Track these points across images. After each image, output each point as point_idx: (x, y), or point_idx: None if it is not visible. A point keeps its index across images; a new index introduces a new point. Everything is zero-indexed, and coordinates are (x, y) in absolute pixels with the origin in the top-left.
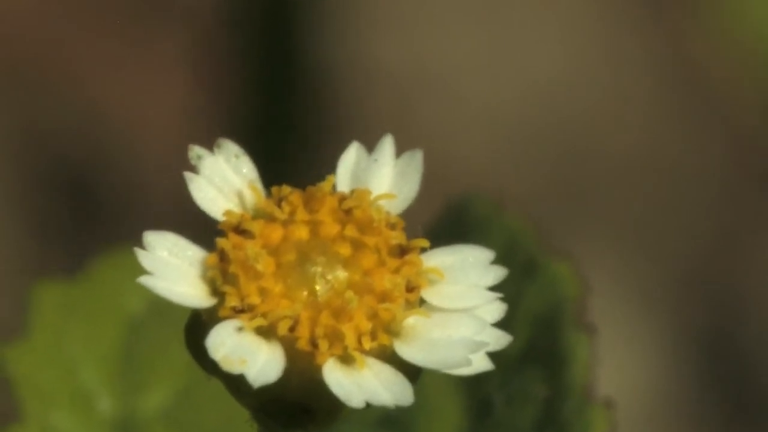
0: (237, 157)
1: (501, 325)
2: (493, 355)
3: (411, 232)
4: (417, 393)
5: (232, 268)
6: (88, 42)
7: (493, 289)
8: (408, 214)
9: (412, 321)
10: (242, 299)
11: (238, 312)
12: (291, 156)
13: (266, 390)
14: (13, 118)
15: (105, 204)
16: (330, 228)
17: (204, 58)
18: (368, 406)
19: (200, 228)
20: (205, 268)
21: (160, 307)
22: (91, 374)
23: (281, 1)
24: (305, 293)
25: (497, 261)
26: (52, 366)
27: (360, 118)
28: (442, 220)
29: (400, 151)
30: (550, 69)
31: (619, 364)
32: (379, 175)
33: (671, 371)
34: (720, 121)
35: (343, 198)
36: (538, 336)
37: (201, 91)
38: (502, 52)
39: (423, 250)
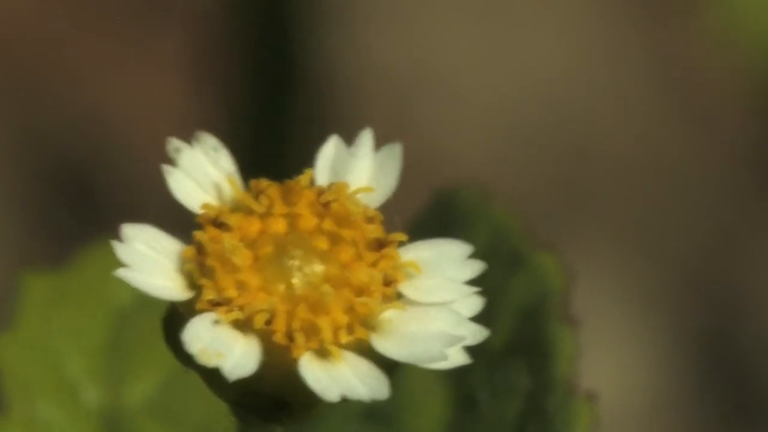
0: (215, 150)
1: (484, 316)
2: (477, 348)
3: (391, 226)
4: (401, 386)
5: (210, 261)
6: (89, 42)
7: (472, 282)
8: (398, 209)
9: (389, 315)
10: (219, 292)
11: (214, 305)
12: (291, 155)
13: (242, 383)
14: (13, 118)
15: (105, 204)
16: (307, 221)
17: (204, 58)
18: (345, 400)
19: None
20: (183, 260)
21: (147, 298)
22: (77, 365)
23: (280, 2)
24: (282, 287)
25: (483, 253)
26: (37, 356)
27: (360, 117)
28: (428, 211)
29: None
30: (550, 69)
31: (619, 364)
32: (358, 169)
33: (671, 371)
34: (719, 121)
35: (321, 191)
36: (522, 329)
37: (201, 91)
38: (502, 52)
39: (401, 243)
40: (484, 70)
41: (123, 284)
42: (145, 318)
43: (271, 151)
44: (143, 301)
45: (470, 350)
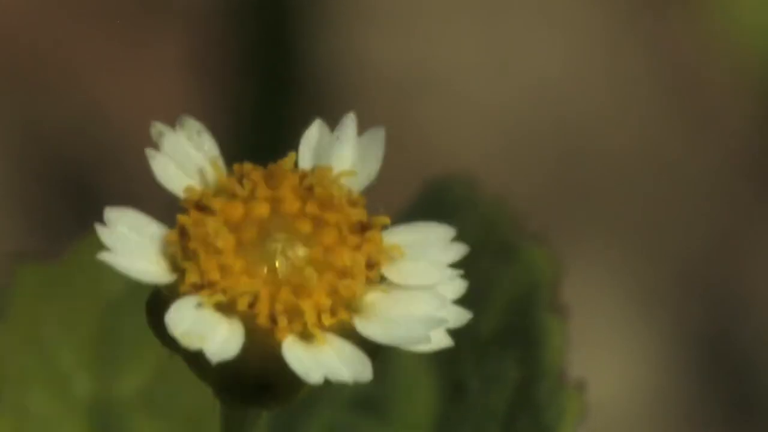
0: (199, 134)
1: (474, 306)
2: (466, 338)
3: (375, 212)
4: (390, 375)
5: (193, 245)
6: (89, 42)
7: (455, 266)
8: (396, 206)
9: (373, 298)
10: (202, 275)
11: (198, 288)
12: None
13: (226, 367)
14: (13, 117)
15: (104, 204)
16: (291, 205)
17: (204, 58)
18: (328, 383)
19: None
20: (166, 244)
21: (138, 289)
22: (67, 356)
23: (280, 1)
24: (265, 270)
25: (472, 244)
26: (28, 347)
27: (360, 117)
28: (417, 201)
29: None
30: (549, 69)
31: (619, 364)
32: (341, 153)
33: (671, 371)
34: (719, 122)
35: (304, 175)
36: (512, 319)
37: (201, 91)
38: (502, 52)
39: (384, 227)
40: (483, 70)
41: (115, 276)
42: (137, 309)
43: (271, 151)
44: (135, 292)
45: (460, 340)
